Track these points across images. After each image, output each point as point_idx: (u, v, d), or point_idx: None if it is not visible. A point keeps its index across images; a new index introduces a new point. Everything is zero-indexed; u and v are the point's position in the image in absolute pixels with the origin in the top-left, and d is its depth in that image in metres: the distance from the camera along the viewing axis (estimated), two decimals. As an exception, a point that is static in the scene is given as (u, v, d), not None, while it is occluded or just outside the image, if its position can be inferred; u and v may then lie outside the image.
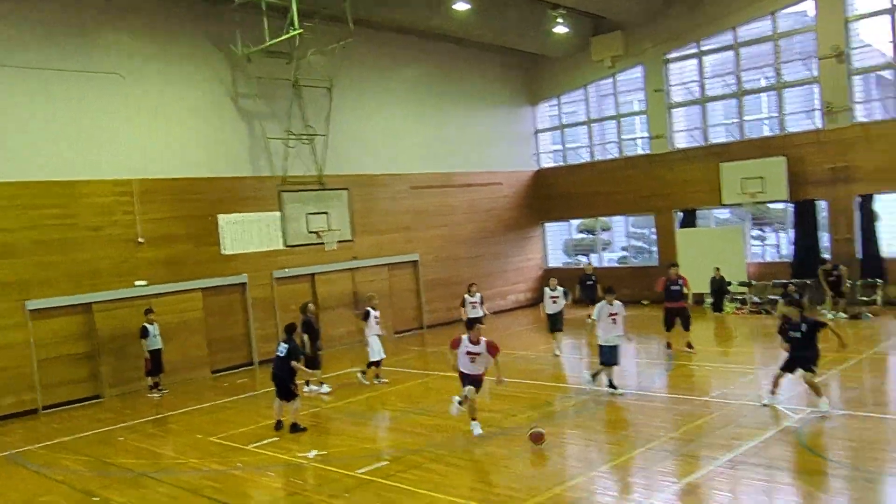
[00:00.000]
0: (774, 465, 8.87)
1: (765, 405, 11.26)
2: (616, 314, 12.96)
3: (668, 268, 17.09)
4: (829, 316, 19.35)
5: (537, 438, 10.13)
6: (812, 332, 11.07)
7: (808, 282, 20.87)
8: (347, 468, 9.97)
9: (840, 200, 21.32)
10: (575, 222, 28.84)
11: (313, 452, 10.82)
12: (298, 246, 19.61)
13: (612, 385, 12.89)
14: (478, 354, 10.96)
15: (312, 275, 20.77)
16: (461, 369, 11.07)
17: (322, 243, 19.87)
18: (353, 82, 21.94)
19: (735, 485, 8.54)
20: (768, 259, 24.14)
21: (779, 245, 24.31)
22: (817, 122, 21.79)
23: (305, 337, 14.33)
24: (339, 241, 20.40)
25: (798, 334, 11.12)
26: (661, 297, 17.06)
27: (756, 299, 22.04)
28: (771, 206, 23.41)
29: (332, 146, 20.73)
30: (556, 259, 29.13)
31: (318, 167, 20.60)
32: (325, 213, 20.04)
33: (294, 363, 12.23)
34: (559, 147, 28.38)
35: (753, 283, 22.45)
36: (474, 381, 11.03)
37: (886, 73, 21.49)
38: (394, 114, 23.35)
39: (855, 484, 8.34)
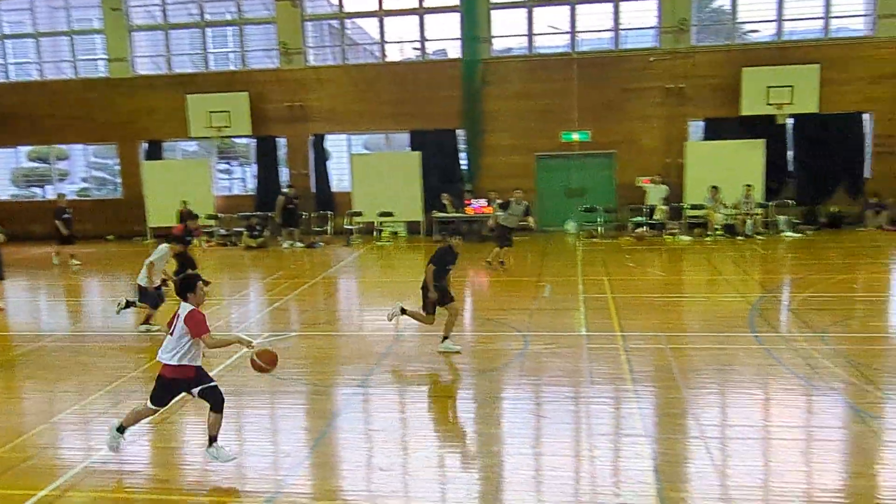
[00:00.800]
0: (241, 391, 9.27)
1: (452, 351, 10.22)
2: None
3: (182, 204, 16.52)
4: (286, 245, 21.00)
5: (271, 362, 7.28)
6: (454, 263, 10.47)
7: (270, 214, 22.24)
8: None
9: (297, 138, 23.06)
10: (25, 149, 25.57)
11: None
12: None
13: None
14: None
15: None
16: (194, 363, 7.28)
17: None
18: None
19: (198, 413, 8.67)
20: (235, 192, 24.91)
21: (244, 179, 25.26)
22: (277, 61, 23.00)
23: None
24: None
25: (452, 267, 10.33)
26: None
27: (223, 231, 22.66)
28: (237, 140, 24.12)
29: None
30: (4, 191, 25.54)
31: None
32: None
33: None
34: (0, 61, 24.60)
35: (221, 215, 22.99)
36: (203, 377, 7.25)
37: (335, 23, 23.69)
38: None
39: (308, 396, 9.24)
